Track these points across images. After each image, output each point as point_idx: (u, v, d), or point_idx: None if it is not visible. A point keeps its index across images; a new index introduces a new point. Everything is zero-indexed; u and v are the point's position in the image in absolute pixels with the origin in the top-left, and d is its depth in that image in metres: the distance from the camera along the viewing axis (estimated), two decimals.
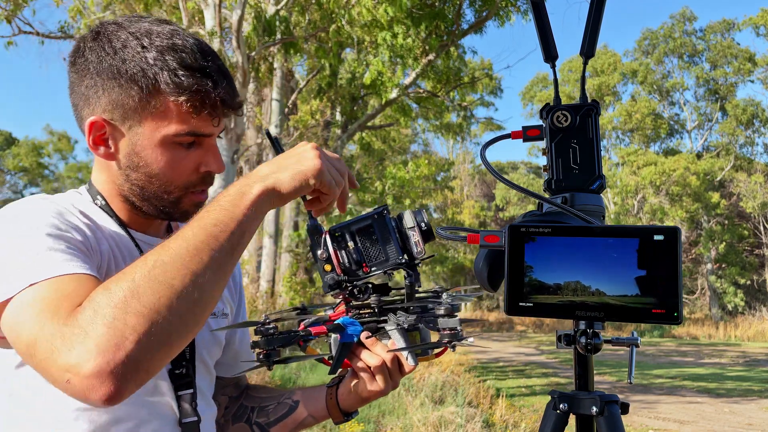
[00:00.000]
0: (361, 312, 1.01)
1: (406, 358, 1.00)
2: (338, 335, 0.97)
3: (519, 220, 1.06)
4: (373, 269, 0.98)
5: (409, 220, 0.99)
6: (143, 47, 0.90)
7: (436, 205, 29.92)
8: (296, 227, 13.23)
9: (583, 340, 0.94)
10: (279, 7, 9.38)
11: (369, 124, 15.39)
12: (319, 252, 0.97)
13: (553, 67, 1.16)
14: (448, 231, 1.06)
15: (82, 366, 0.66)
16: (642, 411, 7.76)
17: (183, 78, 0.89)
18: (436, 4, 10.63)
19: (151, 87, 0.89)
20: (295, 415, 1.12)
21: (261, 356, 0.92)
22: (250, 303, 8.46)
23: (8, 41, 8.50)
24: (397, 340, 1.00)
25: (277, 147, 1.01)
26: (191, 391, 0.99)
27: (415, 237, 0.99)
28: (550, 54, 1.15)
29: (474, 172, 39.33)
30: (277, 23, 9.29)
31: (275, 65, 11.27)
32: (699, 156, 30.51)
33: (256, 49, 9.02)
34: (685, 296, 29.39)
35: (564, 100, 1.12)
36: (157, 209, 1.00)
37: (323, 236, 0.97)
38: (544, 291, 0.94)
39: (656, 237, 0.90)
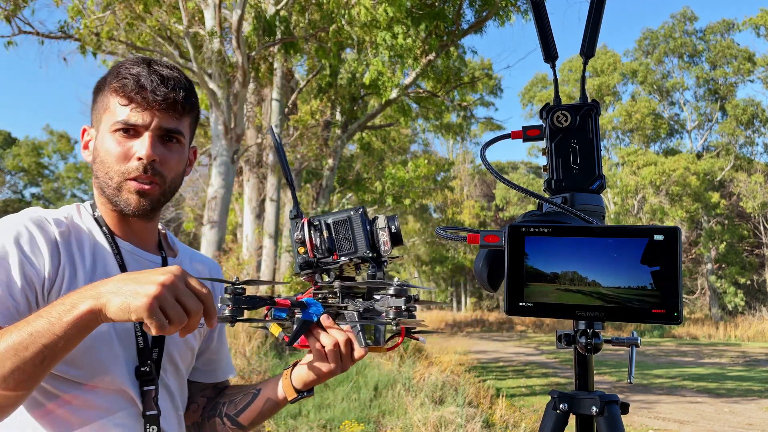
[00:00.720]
0: (327, 297, 1.09)
1: (358, 340, 1.06)
2: (299, 312, 1.06)
3: (519, 220, 1.06)
4: (341, 258, 1.07)
5: (381, 222, 1.09)
6: (119, 65, 1.10)
7: (436, 205, 29.94)
8: None
9: (583, 340, 0.95)
10: (279, 7, 9.38)
11: (369, 124, 15.39)
12: (296, 234, 1.08)
13: (553, 67, 1.16)
14: (448, 231, 1.06)
15: None
16: (642, 411, 7.76)
17: (122, 75, 1.07)
18: (436, 4, 10.63)
19: (105, 90, 1.10)
20: (257, 401, 1.21)
21: (227, 312, 0.98)
22: None
23: (8, 41, 8.50)
24: (353, 326, 1.06)
25: (278, 146, 1.13)
26: (153, 387, 1.09)
27: (384, 237, 1.08)
28: (550, 54, 1.15)
29: (474, 172, 39.34)
30: (277, 23, 9.29)
31: (275, 65, 11.27)
32: (699, 156, 30.51)
33: (256, 49, 9.01)
34: (685, 296, 29.39)
35: (564, 100, 1.12)
36: (109, 199, 1.11)
37: (303, 221, 1.08)
38: (543, 296, 0.94)
39: (656, 237, 0.90)
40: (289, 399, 1.17)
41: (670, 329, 23.05)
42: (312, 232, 1.07)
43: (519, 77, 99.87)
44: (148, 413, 1.09)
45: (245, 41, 8.76)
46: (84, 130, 1.14)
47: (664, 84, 32.86)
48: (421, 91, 13.73)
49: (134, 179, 1.08)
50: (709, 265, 29.22)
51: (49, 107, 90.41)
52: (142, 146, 1.07)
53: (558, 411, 1.01)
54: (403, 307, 1.01)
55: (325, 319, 1.06)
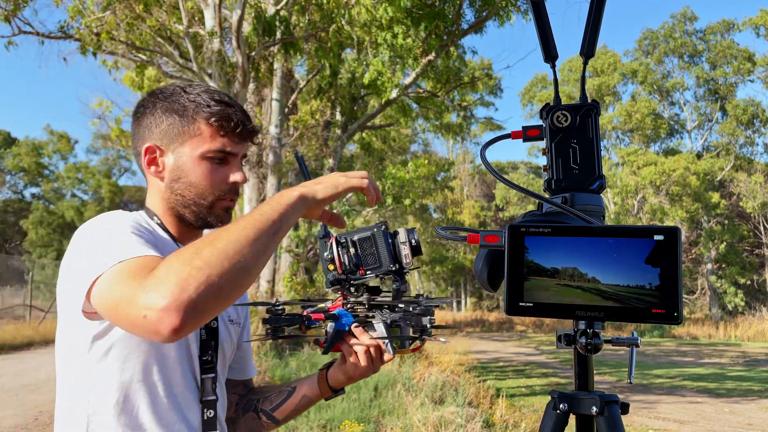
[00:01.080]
0: (354, 307, 1.20)
1: (386, 347, 1.19)
2: (333, 323, 1.18)
3: (519, 220, 1.06)
4: (368, 272, 1.17)
5: (402, 235, 1.18)
6: (185, 92, 1.21)
7: (436, 205, 29.95)
8: (296, 227, 13.23)
9: (583, 340, 0.95)
10: (279, 7, 9.38)
11: (369, 124, 15.38)
12: (325, 254, 1.18)
13: (553, 67, 1.16)
14: (448, 231, 1.06)
15: (156, 303, 0.86)
16: (642, 411, 7.76)
17: (213, 107, 1.19)
18: (436, 4, 10.62)
19: (190, 116, 1.18)
20: (293, 398, 1.34)
21: (269, 331, 1.14)
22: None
23: (8, 41, 8.50)
24: (380, 332, 1.18)
25: (304, 169, 1.26)
26: (213, 375, 1.21)
27: (405, 250, 1.17)
28: (550, 54, 1.15)
29: (474, 172, 39.34)
30: (277, 23, 9.29)
31: (275, 65, 11.26)
32: (699, 156, 30.51)
33: (256, 49, 9.01)
34: (685, 296, 29.39)
35: (564, 100, 1.12)
36: (195, 214, 1.23)
37: (330, 241, 1.18)
38: (543, 296, 0.94)
39: (656, 237, 0.90)
40: (324, 397, 1.31)
41: (670, 329, 23.05)
42: (339, 250, 1.18)
43: (519, 77, 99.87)
44: (206, 398, 1.19)
45: (245, 41, 8.76)
46: (148, 148, 1.19)
47: (664, 84, 32.85)
48: (421, 91, 13.72)
49: (223, 199, 1.23)
50: (709, 265, 29.22)
51: (49, 107, 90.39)
52: (236, 173, 1.23)
53: (558, 411, 1.01)
54: (429, 325, 1.13)
55: (355, 328, 1.19)
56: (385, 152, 21.60)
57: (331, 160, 14.29)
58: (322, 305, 1.21)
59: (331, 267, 1.17)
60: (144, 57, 9.69)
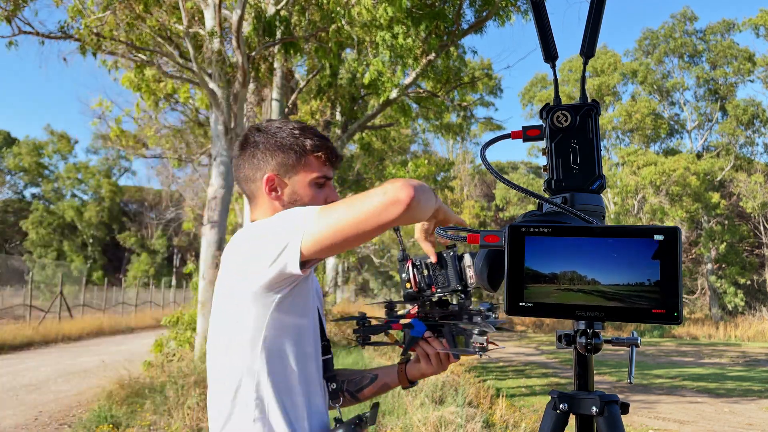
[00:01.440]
0: (426, 317, 1.45)
1: (452, 354, 1.45)
2: (409, 330, 1.43)
3: (519, 220, 1.06)
4: (438, 290, 1.42)
5: (467, 260, 1.39)
6: (290, 129, 1.47)
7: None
8: None
9: (583, 340, 0.95)
10: (279, 7, 9.37)
11: (369, 124, 15.37)
12: (403, 274, 1.44)
13: (553, 67, 1.16)
14: (448, 231, 1.06)
15: (394, 184, 1.14)
16: (642, 411, 7.76)
17: (318, 142, 1.46)
18: (436, 4, 10.62)
19: (301, 150, 1.44)
20: (377, 382, 1.60)
21: (359, 339, 1.44)
22: None
23: (8, 41, 8.49)
24: (448, 341, 1.43)
25: (399, 238, 1.53)
26: (330, 355, 1.48)
27: (470, 272, 1.38)
28: (550, 54, 1.15)
29: (474, 172, 39.32)
30: (277, 23, 9.28)
31: (275, 65, 11.25)
32: (699, 156, 30.49)
33: (256, 49, 9.01)
34: (685, 296, 29.37)
35: (564, 100, 1.12)
36: None
37: (407, 263, 1.44)
38: (543, 296, 0.94)
39: (656, 237, 0.90)
40: (402, 387, 1.58)
41: (670, 329, 23.05)
42: (415, 271, 1.43)
43: (519, 77, 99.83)
44: (327, 374, 1.46)
45: (245, 41, 8.75)
46: (270, 178, 1.43)
47: (664, 84, 32.83)
48: (421, 91, 13.71)
49: None
50: (709, 265, 29.21)
51: (49, 107, 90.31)
52: (332, 193, 1.49)
53: (558, 411, 1.01)
54: (488, 344, 1.35)
55: (427, 335, 1.44)
56: (385, 152, 21.58)
57: None
58: (402, 311, 1.50)
59: (408, 285, 1.43)
60: (144, 57, 9.69)
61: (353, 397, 1.61)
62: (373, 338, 1.45)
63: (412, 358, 1.54)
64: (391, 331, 1.46)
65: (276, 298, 1.27)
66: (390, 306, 1.51)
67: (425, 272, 1.42)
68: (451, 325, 1.41)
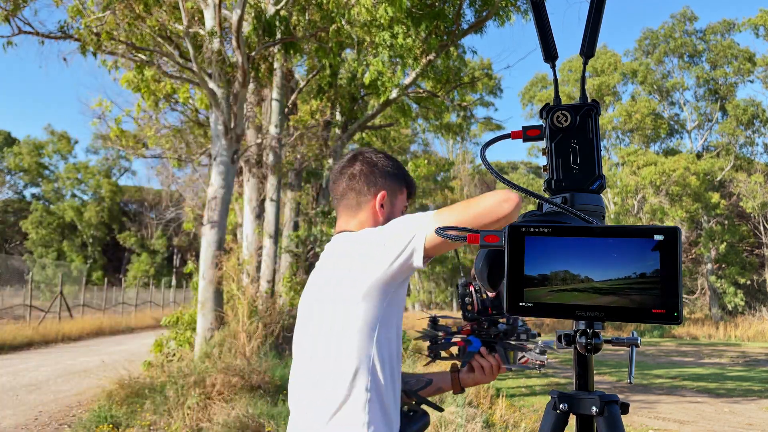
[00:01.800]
0: (482, 334, 1.72)
1: (505, 366, 1.68)
2: (468, 346, 1.70)
3: (519, 220, 1.06)
4: (494, 312, 1.69)
5: None
6: (398, 163, 1.76)
7: (436, 205, 29.90)
8: (296, 227, 13.22)
9: (583, 340, 0.95)
10: (279, 7, 9.37)
11: (369, 124, 15.37)
12: (466, 298, 1.70)
13: (553, 67, 1.16)
14: (448, 231, 1.06)
15: (504, 192, 1.34)
16: (642, 411, 7.76)
17: (413, 182, 1.78)
18: (436, 4, 10.61)
19: (404, 183, 1.73)
20: (432, 386, 1.77)
21: (431, 355, 1.72)
22: (250, 303, 8.45)
23: (8, 41, 8.48)
24: (501, 355, 1.68)
25: (460, 265, 2.06)
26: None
27: None
28: (550, 54, 1.15)
29: (474, 172, 39.32)
30: (277, 23, 9.28)
31: (275, 65, 11.25)
32: (699, 156, 30.49)
33: (256, 49, 9.01)
34: (685, 296, 29.36)
35: (564, 100, 1.12)
36: None
37: (469, 288, 1.70)
38: (542, 297, 0.94)
39: (656, 237, 0.90)
40: (453, 392, 1.77)
41: (670, 329, 23.05)
42: (475, 295, 1.70)
43: (519, 77, 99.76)
44: None
45: (245, 41, 8.75)
46: (384, 195, 1.68)
47: (664, 84, 32.83)
48: (421, 91, 13.70)
49: None
50: (709, 265, 29.20)
51: (49, 107, 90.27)
52: None
53: (558, 411, 1.01)
54: (546, 360, 1.61)
55: (483, 350, 1.70)
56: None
57: (331, 160, 14.28)
58: (464, 324, 1.77)
59: (470, 307, 1.70)
60: (144, 57, 9.68)
61: (408, 397, 1.75)
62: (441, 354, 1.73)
63: (464, 368, 1.76)
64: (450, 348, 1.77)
65: (393, 291, 1.45)
66: (434, 320, 1.77)
67: (484, 296, 1.70)
68: (504, 341, 1.70)
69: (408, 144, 25.34)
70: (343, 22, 9.27)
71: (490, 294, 1.70)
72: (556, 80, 1.17)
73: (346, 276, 1.45)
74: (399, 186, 1.73)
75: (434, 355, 1.70)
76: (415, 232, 1.38)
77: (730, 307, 28.14)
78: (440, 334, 1.75)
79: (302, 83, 13.85)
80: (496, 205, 1.32)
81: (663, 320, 0.88)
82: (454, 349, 1.77)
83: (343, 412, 1.41)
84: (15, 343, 13.70)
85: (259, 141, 11.95)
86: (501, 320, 1.73)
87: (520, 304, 0.95)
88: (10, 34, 8.43)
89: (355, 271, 1.43)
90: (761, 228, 29.82)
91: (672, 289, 0.88)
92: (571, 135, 1.08)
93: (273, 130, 11.69)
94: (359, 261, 1.43)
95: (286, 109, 12.66)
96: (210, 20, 8.73)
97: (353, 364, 1.42)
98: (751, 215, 29.51)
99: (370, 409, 1.41)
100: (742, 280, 28.20)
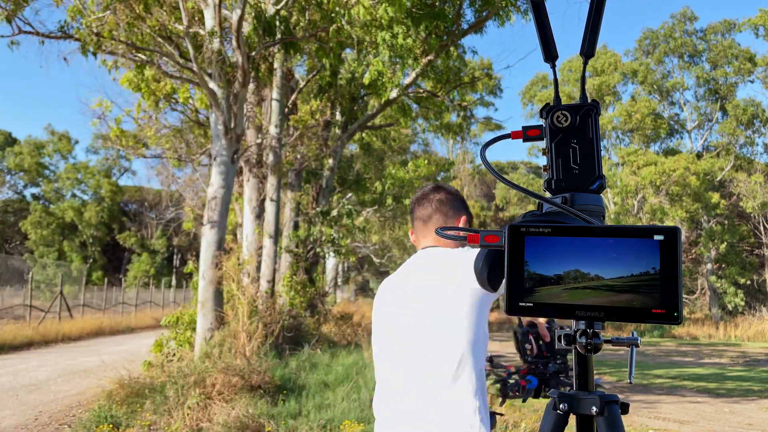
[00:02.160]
0: (537, 374, 2.07)
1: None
2: (527, 383, 2.01)
3: (519, 220, 1.06)
4: (548, 354, 2.07)
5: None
6: (458, 195, 2.04)
7: None
8: (296, 227, 13.22)
9: (583, 340, 0.95)
10: (279, 7, 9.37)
11: (369, 124, 15.37)
12: (526, 345, 2.08)
13: (553, 67, 1.16)
14: (448, 231, 1.06)
15: None
16: (642, 411, 7.76)
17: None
18: (436, 4, 10.62)
19: (469, 210, 2.02)
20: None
21: (502, 394, 2.09)
22: (250, 303, 8.46)
23: (10, 41, 8.48)
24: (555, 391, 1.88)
25: (519, 318, 2.33)
26: None
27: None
28: (550, 54, 1.15)
29: (474, 172, 39.31)
30: (277, 23, 9.28)
31: (275, 65, 11.26)
32: (699, 156, 30.48)
33: (256, 49, 9.01)
34: (685, 296, 29.36)
35: (564, 100, 1.12)
36: None
37: (529, 336, 2.06)
38: (542, 297, 0.93)
39: (656, 237, 0.90)
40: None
41: (670, 329, 23.05)
42: (534, 341, 2.07)
43: (519, 77, 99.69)
44: None
45: (245, 41, 8.75)
46: (465, 220, 1.98)
47: (664, 84, 32.82)
48: (421, 91, 13.70)
49: None
50: (709, 265, 29.20)
51: (50, 107, 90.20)
52: None
53: (558, 411, 1.01)
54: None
55: (538, 387, 2.08)
56: (385, 152, 21.58)
57: (331, 160, 14.28)
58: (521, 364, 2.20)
59: (528, 351, 2.06)
60: (144, 57, 9.68)
61: None
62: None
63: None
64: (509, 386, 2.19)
65: (489, 298, 1.69)
66: (490, 359, 2.22)
67: (540, 342, 2.06)
68: (558, 378, 2.02)
69: (408, 144, 25.35)
70: (343, 22, 9.27)
71: (545, 340, 2.04)
72: (556, 80, 1.17)
73: (444, 284, 1.70)
74: (469, 214, 2.07)
75: (504, 395, 2.11)
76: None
77: (730, 307, 28.14)
78: (503, 373, 2.16)
79: (302, 83, 13.85)
80: None
81: (663, 320, 0.88)
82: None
83: (456, 390, 1.65)
84: (15, 343, 13.70)
85: (259, 141, 11.96)
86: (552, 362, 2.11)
87: (520, 304, 0.95)
88: (11, 34, 8.43)
89: (456, 282, 1.67)
90: (761, 228, 29.82)
91: (672, 289, 0.88)
92: (571, 135, 1.08)
93: (273, 130, 11.69)
94: (458, 275, 1.67)
95: (286, 109, 12.66)
96: (210, 20, 8.73)
97: (457, 353, 1.68)
98: (751, 215, 29.51)
99: (479, 397, 1.66)
100: (742, 280, 28.20)
